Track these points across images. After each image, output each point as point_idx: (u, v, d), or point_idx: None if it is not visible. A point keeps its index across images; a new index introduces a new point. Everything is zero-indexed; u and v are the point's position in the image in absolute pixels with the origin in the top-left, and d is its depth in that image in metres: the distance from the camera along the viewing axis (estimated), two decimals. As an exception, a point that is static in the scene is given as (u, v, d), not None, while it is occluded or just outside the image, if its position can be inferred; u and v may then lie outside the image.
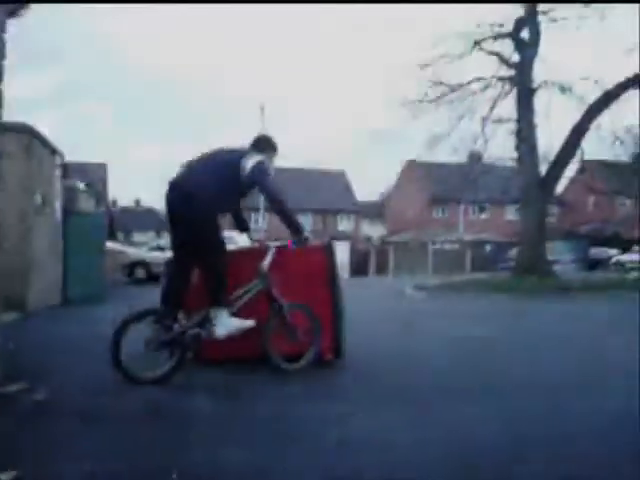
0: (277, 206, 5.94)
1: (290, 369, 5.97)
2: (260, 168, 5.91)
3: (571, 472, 3.38)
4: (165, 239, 27.49)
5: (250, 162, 5.89)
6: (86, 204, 18.88)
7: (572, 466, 3.46)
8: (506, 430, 4.16)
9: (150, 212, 71.58)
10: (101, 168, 49.37)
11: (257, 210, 40.96)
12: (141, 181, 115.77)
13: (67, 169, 17.09)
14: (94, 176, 38.12)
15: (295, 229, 6.01)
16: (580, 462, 3.52)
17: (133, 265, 25.13)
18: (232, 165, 5.89)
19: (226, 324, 5.77)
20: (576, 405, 4.81)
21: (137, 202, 74.61)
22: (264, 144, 6.30)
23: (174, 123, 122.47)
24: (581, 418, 4.44)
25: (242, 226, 6.83)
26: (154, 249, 26.10)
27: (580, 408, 4.71)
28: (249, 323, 5.87)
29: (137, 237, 59.39)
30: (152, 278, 24.49)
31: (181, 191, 5.72)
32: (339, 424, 4.28)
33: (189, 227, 5.78)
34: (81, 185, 18.56)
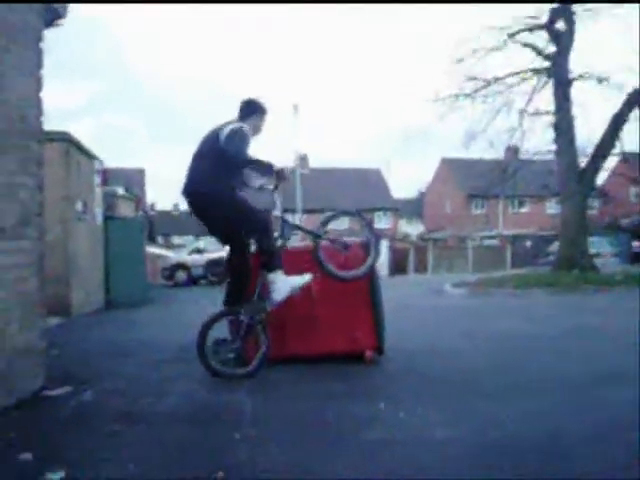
0: (242, 164, 5.74)
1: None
2: (230, 135, 5.71)
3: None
4: (204, 241, 27.69)
5: (224, 132, 5.76)
6: (126, 209, 19.15)
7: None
8: (543, 426, 4.12)
9: (188, 215, 72.13)
10: (139, 173, 49.95)
11: (294, 211, 41.08)
12: (178, 185, 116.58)
13: (106, 175, 17.36)
14: (133, 181, 38.60)
15: (265, 171, 5.82)
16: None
17: (174, 268, 25.35)
18: (213, 141, 5.79)
19: (285, 286, 5.80)
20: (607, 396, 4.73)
21: (175, 206, 75.26)
22: (248, 108, 6.10)
23: (207, 126, 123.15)
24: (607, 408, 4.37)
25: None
26: (194, 252, 26.30)
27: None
28: (307, 278, 5.90)
29: (176, 240, 59.89)
30: (192, 281, 24.72)
31: (188, 192, 5.78)
32: (382, 421, 4.28)
33: (214, 221, 5.84)
34: (120, 190, 18.82)
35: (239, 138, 5.71)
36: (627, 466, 3.32)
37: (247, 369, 5.78)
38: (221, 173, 5.65)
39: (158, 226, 56.63)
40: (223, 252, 21.41)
